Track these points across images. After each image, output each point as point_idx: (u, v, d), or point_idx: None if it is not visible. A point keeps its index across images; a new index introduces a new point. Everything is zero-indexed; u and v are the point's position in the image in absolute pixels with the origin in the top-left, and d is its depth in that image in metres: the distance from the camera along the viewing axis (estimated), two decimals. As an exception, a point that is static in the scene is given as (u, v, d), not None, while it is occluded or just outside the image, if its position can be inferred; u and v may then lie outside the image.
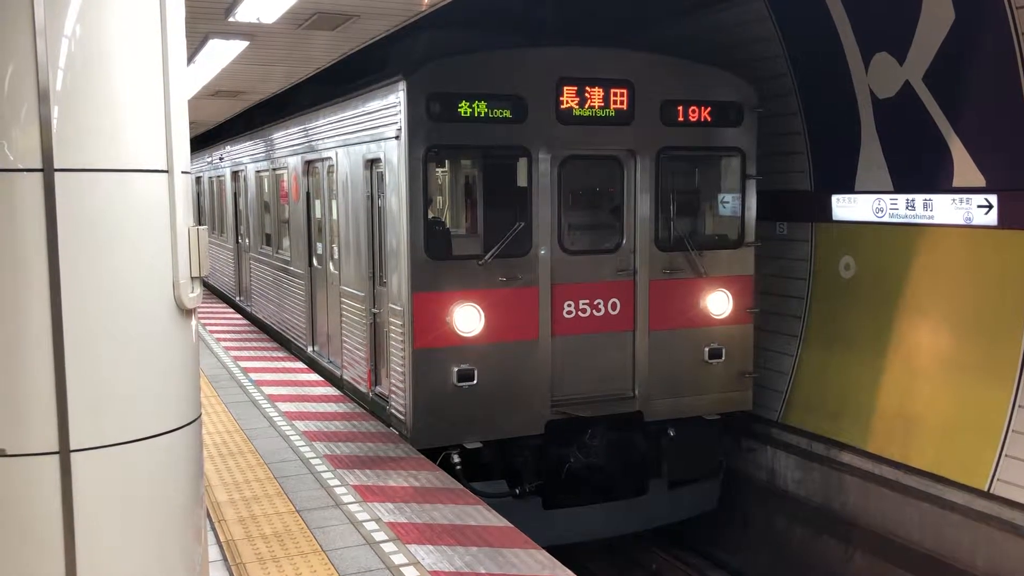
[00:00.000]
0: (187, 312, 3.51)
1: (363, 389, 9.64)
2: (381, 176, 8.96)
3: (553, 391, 8.70)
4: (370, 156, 9.11)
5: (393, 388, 8.66)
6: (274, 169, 13.71)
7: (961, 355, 8.29)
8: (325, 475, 7.38)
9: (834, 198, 9.58)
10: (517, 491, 8.54)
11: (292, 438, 8.46)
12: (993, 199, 7.84)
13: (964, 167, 8.12)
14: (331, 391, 10.55)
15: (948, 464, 8.24)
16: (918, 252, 8.70)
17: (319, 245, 11.64)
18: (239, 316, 16.75)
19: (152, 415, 3.40)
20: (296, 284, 12.45)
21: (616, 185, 9.06)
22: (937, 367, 8.53)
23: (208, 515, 6.19)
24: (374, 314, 9.37)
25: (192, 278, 3.51)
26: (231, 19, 7.78)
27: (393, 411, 8.68)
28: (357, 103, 9.42)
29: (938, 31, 8.09)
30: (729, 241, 9.53)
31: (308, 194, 11.83)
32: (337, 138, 10.16)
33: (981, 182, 7.97)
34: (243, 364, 11.98)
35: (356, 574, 5.53)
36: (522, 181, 8.59)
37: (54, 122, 3.12)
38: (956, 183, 8.20)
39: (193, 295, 3.51)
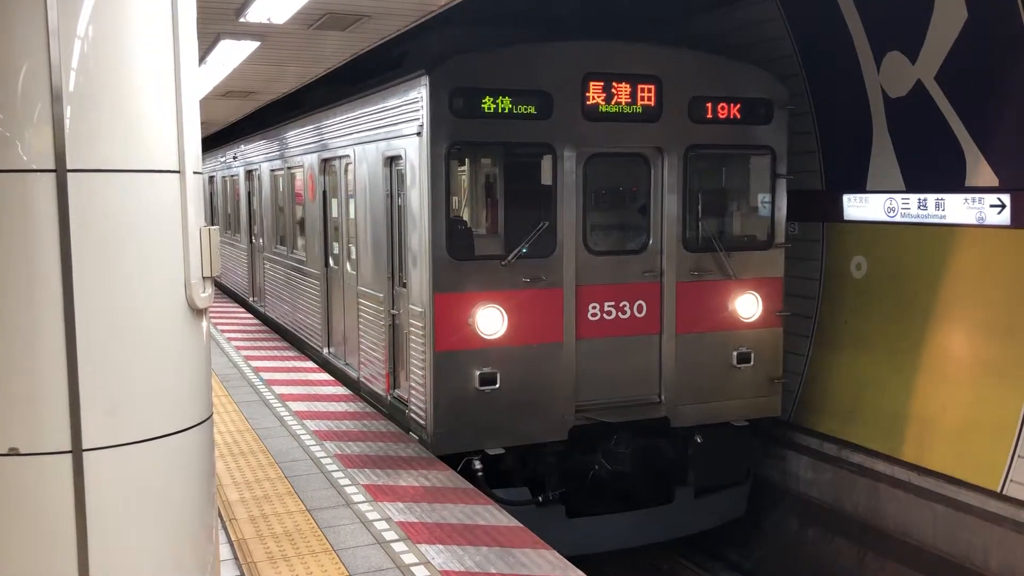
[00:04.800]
0: (198, 312, 3.52)
1: (381, 392, 9.40)
2: (401, 174, 8.73)
3: (577, 396, 8.44)
4: (390, 153, 8.88)
5: (413, 392, 8.41)
6: (289, 168, 13.50)
7: (977, 356, 8.19)
8: (336, 475, 7.36)
9: (845, 198, 9.49)
10: (540, 499, 8.29)
11: (303, 437, 8.43)
12: (1006, 198, 7.79)
13: (977, 166, 8.04)
14: (342, 391, 10.46)
15: (962, 466, 8.15)
16: (930, 252, 8.61)
17: (335, 245, 11.42)
18: (251, 316, 16.59)
19: (164, 415, 3.41)
20: (311, 285, 12.23)
21: (642, 184, 8.80)
22: (953, 368, 8.40)
23: (219, 514, 6.16)
24: (393, 315, 9.13)
25: (204, 278, 3.52)
26: (242, 20, 7.78)
27: (413, 415, 8.44)
28: (376, 99, 9.19)
29: (950, 30, 7.99)
30: (758, 242, 9.25)
31: (324, 193, 11.61)
32: (355, 135, 9.93)
33: (994, 181, 7.90)
34: (254, 364, 11.95)
35: (366, 573, 5.51)
36: (546, 179, 8.34)
37: (67, 122, 3.12)
38: (969, 182, 8.12)
39: (205, 295, 3.52)
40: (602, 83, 8.33)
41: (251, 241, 17.29)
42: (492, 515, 6.54)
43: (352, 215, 10.46)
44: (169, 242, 3.41)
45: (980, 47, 7.81)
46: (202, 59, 9.61)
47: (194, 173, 3.50)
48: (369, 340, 9.78)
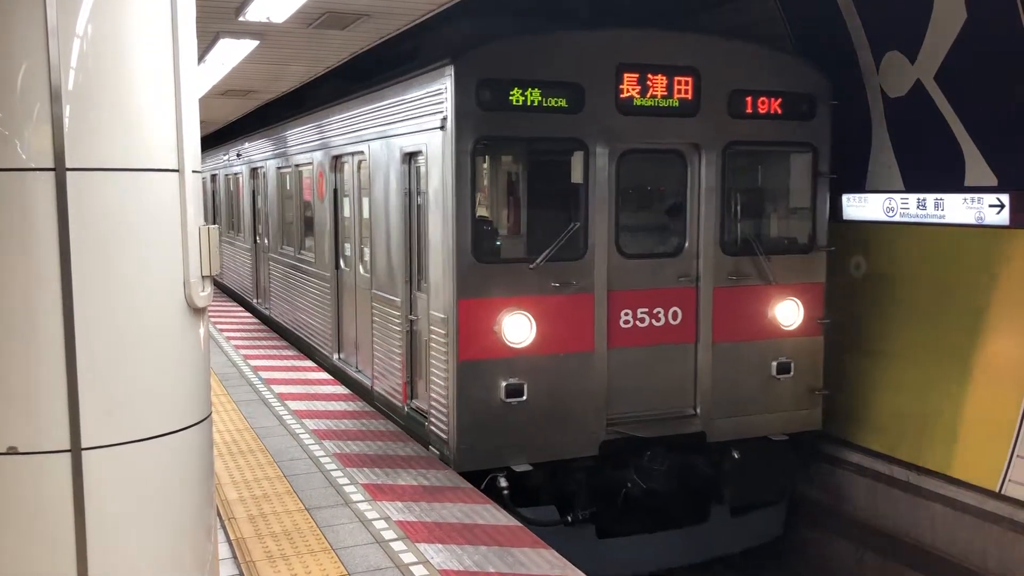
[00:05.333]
0: (197, 311, 3.51)
1: (397, 403, 8.87)
2: (421, 171, 8.21)
3: (609, 408, 7.91)
4: (409, 149, 8.34)
5: (433, 404, 7.88)
6: (297, 165, 12.96)
7: (976, 356, 8.15)
8: (334, 473, 7.31)
9: (844, 197, 9.34)
10: (568, 518, 7.75)
11: (302, 436, 8.36)
12: (1005, 198, 7.81)
13: (976, 166, 8.04)
14: (341, 390, 10.32)
15: (959, 466, 8.14)
16: (927, 252, 8.63)
17: (347, 246, 10.88)
18: (253, 317, 16.07)
19: (163, 413, 3.40)
20: (321, 287, 11.69)
21: (678, 183, 8.27)
22: (956, 369, 8.32)
23: (218, 513, 6.07)
24: (411, 321, 8.60)
25: (203, 277, 3.51)
26: (241, 18, 7.73)
27: (433, 429, 7.90)
28: (395, 92, 8.65)
29: (950, 29, 7.95)
30: (799, 245, 8.71)
31: (335, 191, 11.08)
32: (370, 130, 9.39)
33: (993, 181, 7.92)
34: (253, 363, 11.85)
35: (365, 572, 5.48)
36: (577, 177, 7.80)
37: (66, 121, 3.10)
38: (968, 182, 8.13)
39: (204, 294, 3.52)
40: (637, 75, 7.80)
41: (255, 241, 16.75)
42: (491, 514, 6.47)
43: (366, 215, 9.93)
44: (168, 241, 3.39)
45: (980, 47, 7.74)
46: (201, 58, 9.72)
47: (193, 172, 3.46)
48: (384, 347, 9.24)
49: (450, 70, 7.29)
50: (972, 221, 8.06)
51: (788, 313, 8.51)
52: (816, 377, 8.74)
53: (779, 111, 8.35)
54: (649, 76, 7.84)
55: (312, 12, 7.57)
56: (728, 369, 8.31)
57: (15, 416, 3.17)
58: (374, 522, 6.29)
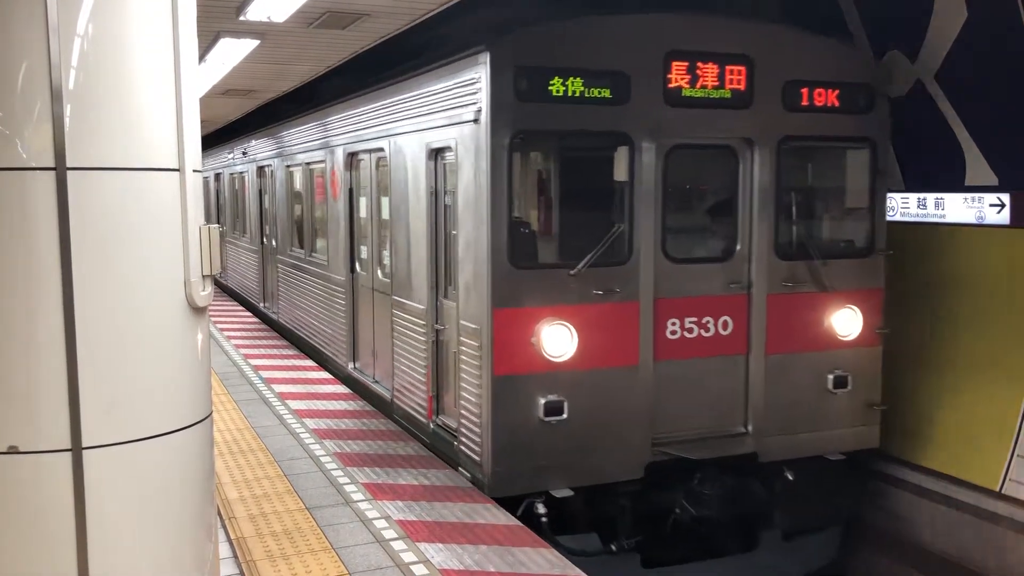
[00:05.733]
0: (198, 310, 3.50)
1: (422, 419, 8.22)
2: (450, 168, 7.56)
3: (655, 427, 7.26)
4: (436, 145, 7.69)
5: (464, 422, 7.23)
6: (308, 163, 12.30)
7: (981, 355, 8.10)
8: (335, 473, 7.28)
9: None
10: (612, 547, 7.10)
11: (302, 436, 8.33)
12: (1006, 198, 7.84)
13: (976, 166, 8.04)
14: (341, 389, 10.23)
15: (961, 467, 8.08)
16: (926, 250, 8.63)
17: (363, 248, 10.23)
18: (259, 321, 15.48)
19: (163, 413, 3.40)
20: (334, 292, 11.03)
21: (728, 181, 7.61)
22: (964, 369, 8.28)
23: (218, 512, 6.09)
24: (437, 331, 7.94)
25: (203, 276, 3.49)
26: (242, 18, 7.71)
27: (464, 449, 7.24)
28: (419, 83, 8.00)
29: (951, 28, 7.89)
30: (856, 248, 8.06)
31: (350, 190, 10.42)
32: (391, 125, 8.74)
33: (993, 181, 7.94)
34: (254, 362, 11.81)
35: (366, 572, 5.47)
36: (620, 175, 7.15)
37: (67, 120, 3.10)
38: (968, 182, 8.16)
39: (204, 293, 3.51)
40: (686, 63, 7.15)
41: (262, 242, 16.10)
42: (491, 513, 6.45)
43: (385, 215, 9.29)
44: (169, 240, 3.39)
45: (980, 47, 7.65)
46: (202, 57, 9.58)
47: (194, 171, 3.45)
48: (406, 358, 8.58)
49: (485, 57, 6.64)
50: (972, 220, 8.07)
51: (846, 322, 7.86)
52: (874, 391, 8.09)
53: (836, 103, 7.69)
54: (699, 64, 7.19)
55: (312, 12, 7.48)
56: (781, 383, 7.66)
57: (15, 415, 3.17)
58: (374, 521, 6.24)
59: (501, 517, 6.37)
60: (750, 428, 7.61)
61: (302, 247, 12.92)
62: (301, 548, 5.81)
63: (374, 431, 8.48)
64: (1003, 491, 7.79)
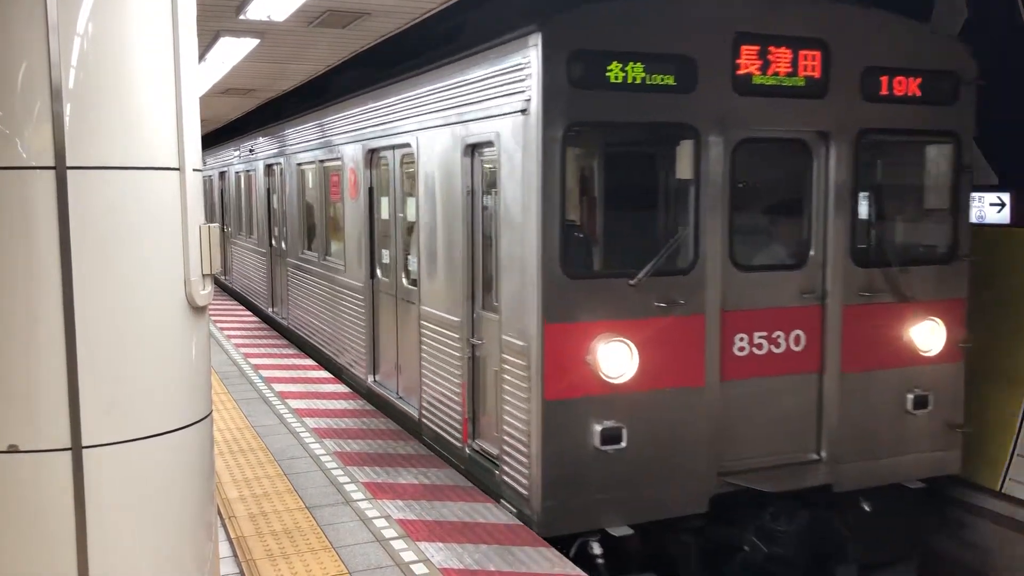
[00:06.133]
0: (198, 309, 3.50)
1: (455, 442, 7.44)
2: (490, 165, 6.79)
3: (721, 455, 6.49)
4: (474, 139, 6.91)
5: (508, 449, 6.45)
6: (322, 161, 11.52)
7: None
8: (335, 472, 7.25)
9: None
10: (674, 590, 6.34)
11: (302, 435, 8.29)
12: (1006, 197, 7.90)
13: (976, 165, 7.73)
14: (341, 388, 10.15)
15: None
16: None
17: (385, 252, 9.45)
18: (268, 327, 14.76)
19: (163, 412, 3.39)
20: (352, 299, 10.25)
21: (801, 178, 6.84)
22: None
23: (218, 511, 6.07)
24: (474, 346, 7.17)
25: (203, 275, 3.48)
26: (242, 17, 7.67)
27: (508, 480, 6.47)
28: (455, 70, 7.21)
29: (950, 29, 7.82)
30: (938, 254, 7.28)
31: (371, 190, 9.64)
32: (420, 118, 7.95)
33: (994, 180, 7.97)
34: (254, 361, 11.75)
35: (366, 571, 5.44)
36: (685, 172, 6.38)
37: (66, 120, 3.11)
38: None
39: (204, 292, 3.50)
40: (757, 47, 6.38)
41: (271, 244, 15.32)
42: (491, 513, 6.38)
43: (411, 217, 8.51)
44: (169, 239, 3.37)
45: (980, 45, 7.27)
46: (202, 56, 9.50)
47: (194, 170, 3.44)
48: (436, 374, 7.80)
49: (536, 39, 5.86)
50: (973, 220, 7.78)
51: (927, 335, 7.09)
52: (956, 411, 7.32)
53: (917, 93, 6.92)
54: (771, 49, 6.42)
55: (312, 11, 7.42)
56: (858, 404, 6.89)
57: (16, 414, 3.16)
58: (374, 520, 6.22)
59: (502, 516, 6.26)
60: (824, 455, 6.84)
61: (315, 250, 12.14)
62: (301, 547, 5.76)
63: (374, 430, 8.41)
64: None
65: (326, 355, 11.50)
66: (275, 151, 14.41)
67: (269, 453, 7.72)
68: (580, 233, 6.29)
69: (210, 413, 3.67)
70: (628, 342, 6.09)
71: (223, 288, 20.57)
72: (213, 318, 15.05)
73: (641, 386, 6.16)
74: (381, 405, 9.35)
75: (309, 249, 12.55)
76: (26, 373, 3.15)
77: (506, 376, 6.44)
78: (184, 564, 3.54)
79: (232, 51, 9.49)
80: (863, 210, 6.89)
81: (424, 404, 8.13)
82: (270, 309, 15.47)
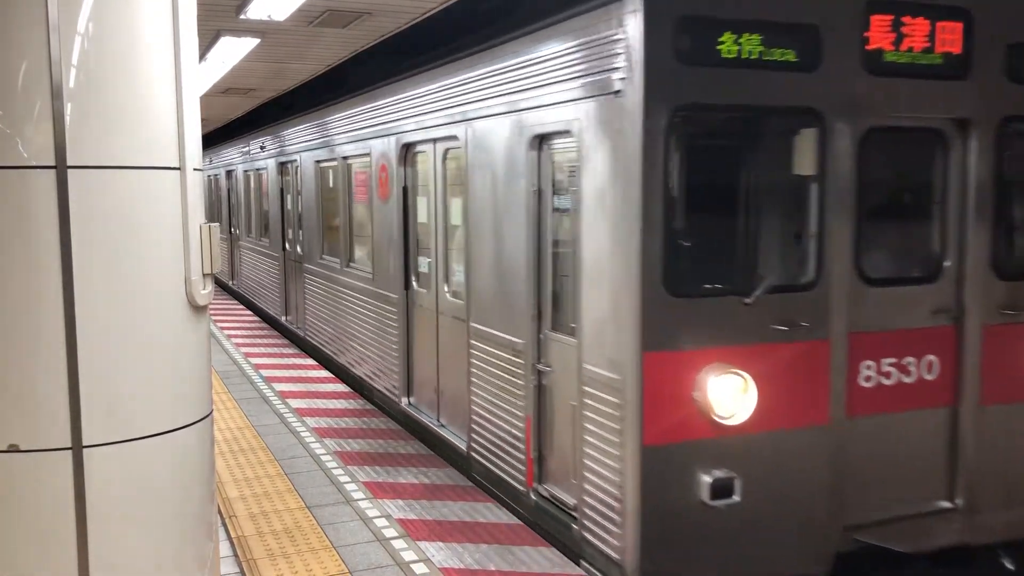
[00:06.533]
0: (199, 308, 3.48)
1: (516, 484, 6.37)
2: (566, 159, 5.71)
3: (846, 506, 5.41)
4: (544, 129, 5.83)
5: (590, 500, 5.37)
6: (346, 157, 10.45)
7: None
8: (335, 472, 7.21)
9: None
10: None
11: (303, 434, 8.26)
12: None
13: None
14: (341, 387, 10.01)
15: None
16: None
17: (422, 261, 8.37)
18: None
19: (164, 411, 3.38)
20: (381, 312, 9.18)
21: (935, 174, 5.75)
22: None
23: (219, 511, 6.03)
24: (540, 373, 6.10)
25: (204, 275, 3.47)
26: (242, 16, 7.67)
27: (591, 539, 5.39)
28: (520, 48, 6.13)
29: None
30: (1085, 264, 6.19)
31: (405, 189, 8.57)
32: (471, 106, 6.88)
33: None
34: (254, 360, 11.70)
35: (366, 570, 5.39)
36: (807, 167, 5.29)
37: (67, 119, 3.10)
38: None
39: (205, 292, 3.48)
40: (889, 17, 5.30)
41: (284, 248, 14.25)
42: (492, 512, 6.34)
43: (455, 220, 7.44)
44: (169, 239, 3.36)
45: None
46: (202, 56, 9.52)
47: (194, 170, 3.44)
48: (491, 403, 6.73)
49: (636, 3, 4.77)
50: None
51: (1077, 361, 6.00)
52: (1104, 448, 6.23)
53: (1068, 73, 5.84)
54: (905, 20, 5.34)
55: (313, 10, 7.43)
56: (1000, 443, 5.81)
57: (16, 414, 3.15)
58: (375, 520, 6.19)
59: (502, 516, 6.23)
60: (958, 502, 5.75)
61: (336, 255, 11.07)
62: (301, 547, 5.73)
63: (375, 430, 8.38)
64: None
65: (352, 373, 10.43)
66: (290, 147, 13.32)
67: (269, 453, 7.68)
68: (686, 242, 5.20)
69: (210, 413, 3.65)
70: (743, 374, 5.01)
71: (230, 292, 19.48)
72: (214, 318, 14.91)
73: (757, 427, 5.08)
74: (417, 431, 8.28)
75: (329, 254, 11.48)
76: (26, 373, 3.13)
77: (588, 413, 5.35)
78: (184, 564, 3.52)
79: (232, 51, 9.47)
80: (1006, 212, 5.80)
81: (474, 437, 7.05)
82: (283, 317, 14.40)
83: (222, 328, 14.36)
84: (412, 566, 5.44)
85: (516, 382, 6.32)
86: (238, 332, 14.11)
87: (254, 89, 13.12)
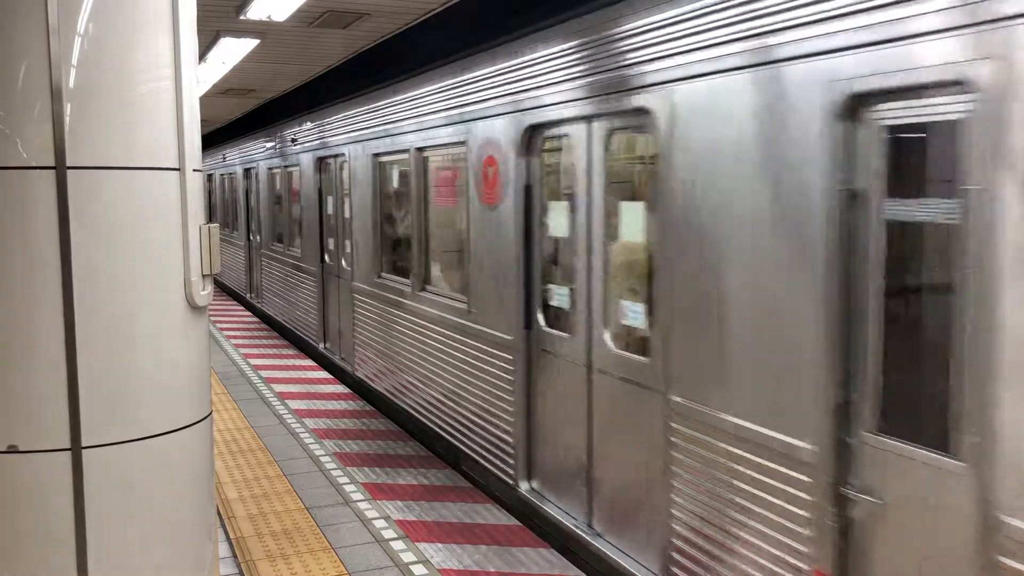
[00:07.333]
0: (198, 309, 3.47)
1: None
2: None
3: None
4: (882, 83, 3.33)
5: None
6: (420, 148, 7.97)
7: None
8: (334, 473, 7.14)
9: None
10: None
11: (302, 436, 8.15)
12: None
13: None
14: (341, 388, 9.98)
15: None
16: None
17: (555, 291, 5.88)
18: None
19: (163, 412, 3.35)
20: (484, 357, 6.69)
21: None
22: None
23: (218, 512, 5.71)
24: (847, 502, 3.59)
25: (203, 276, 3.46)
26: (242, 17, 7.75)
27: None
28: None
29: None
30: None
31: (528, 189, 6.09)
32: (676, 60, 4.37)
33: None
34: (253, 362, 11.64)
35: (365, 571, 5.35)
36: None
37: (67, 120, 3.09)
38: None
39: (204, 293, 3.47)
40: None
41: (323, 261, 11.77)
42: (491, 513, 6.25)
43: (632, 236, 4.97)
44: (169, 240, 3.35)
45: None
46: (202, 56, 9.49)
47: (194, 171, 3.41)
48: (724, 531, 4.22)
49: None
50: None
51: None
52: None
53: None
54: None
55: (313, 11, 7.52)
56: None
57: (15, 414, 3.12)
58: (374, 521, 6.13)
59: (501, 517, 6.14)
60: None
61: (405, 275, 8.59)
62: (300, 548, 5.68)
63: (374, 431, 8.32)
64: None
65: (417, 419, 7.97)
66: (334, 138, 10.80)
67: (269, 453, 7.65)
68: None
69: (210, 413, 3.59)
70: None
71: (251, 309, 16.99)
72: (213, 318, 14.62)
73: None
74: (543, 530, 5.81)
75: (394, 273, 9.00)
76: (26, 373, 3.11)
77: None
78: (183, 565, 3.44)
79: (233, 51, 9.51)
80: None
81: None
82: (321, 344, 11.93)
83: (221, 328, 14.23)
84: (411, 567, 5.42)
85: (792, 511, 3.81)
86: (237, 333, 13.97)
87: (254, 89, 12.94)
